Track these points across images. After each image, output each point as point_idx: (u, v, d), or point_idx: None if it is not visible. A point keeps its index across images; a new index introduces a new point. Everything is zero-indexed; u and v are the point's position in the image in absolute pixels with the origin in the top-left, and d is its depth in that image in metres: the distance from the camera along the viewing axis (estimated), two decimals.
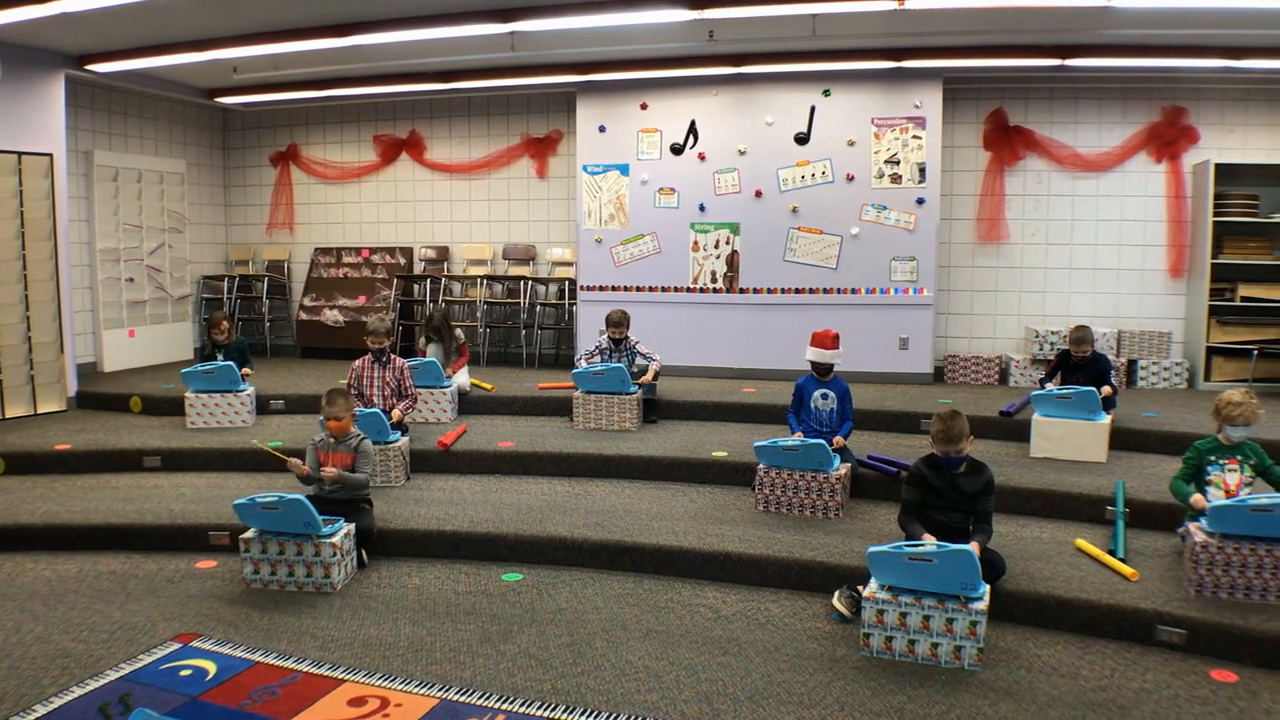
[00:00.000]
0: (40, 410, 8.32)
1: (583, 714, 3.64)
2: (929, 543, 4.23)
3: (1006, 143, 9.26)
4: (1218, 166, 8.54)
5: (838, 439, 6.05)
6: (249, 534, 5.01)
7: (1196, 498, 4.73)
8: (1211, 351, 8.78)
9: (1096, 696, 3.78)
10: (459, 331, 8.50)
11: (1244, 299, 8.67)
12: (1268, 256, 8.70)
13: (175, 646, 4.27)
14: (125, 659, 4.13)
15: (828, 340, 6.21)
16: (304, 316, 11.08)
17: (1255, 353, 8.48)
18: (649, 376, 7.76)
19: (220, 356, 8.13)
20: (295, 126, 11.50)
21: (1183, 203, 8.99)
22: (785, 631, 4.47)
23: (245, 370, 8.08)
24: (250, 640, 4.35)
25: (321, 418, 5.54)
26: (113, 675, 3.96)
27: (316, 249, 11.49)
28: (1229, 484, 4.81)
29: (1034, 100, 9.24)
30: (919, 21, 7.37)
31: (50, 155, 8.31)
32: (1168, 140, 8.95)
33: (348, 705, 3.72)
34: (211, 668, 4.05)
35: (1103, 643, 4.29)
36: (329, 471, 5.30)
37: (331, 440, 5.51)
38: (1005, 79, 9.08)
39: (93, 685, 3.85)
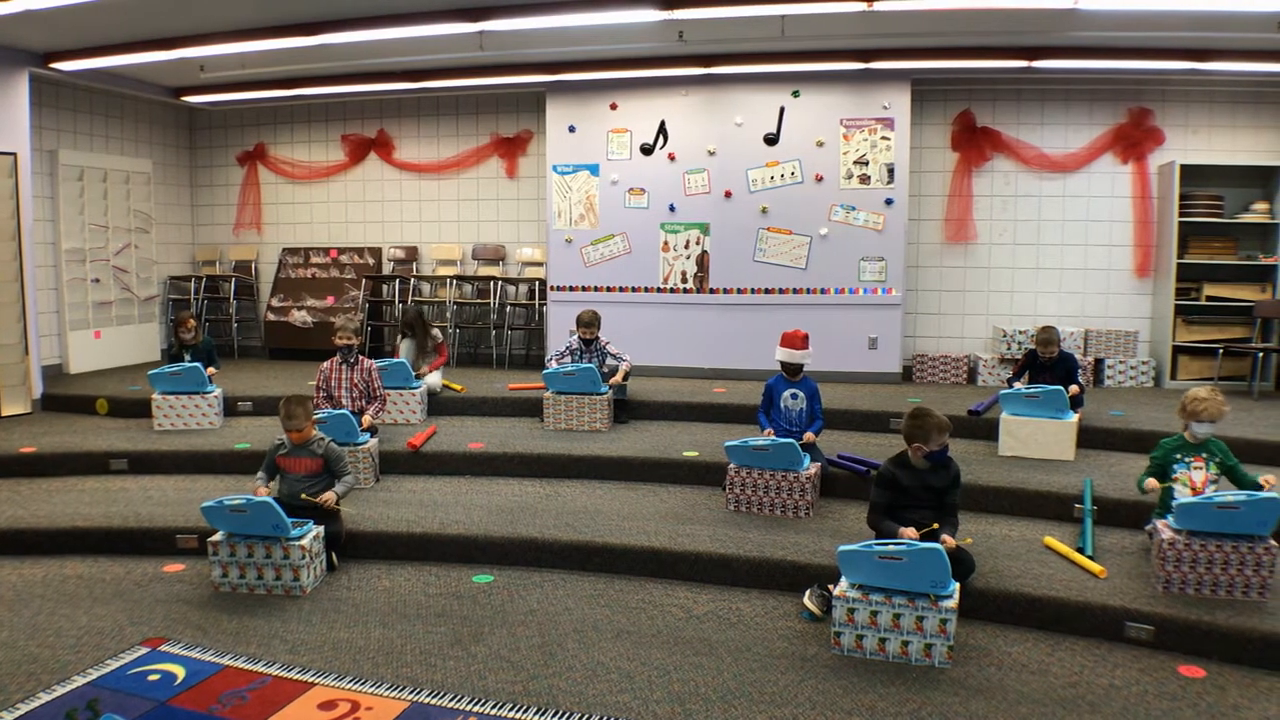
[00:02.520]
0: (5, 413, 8.19)
1: (554, 715, 3.63)
2: (908, 537, 4.27)
3: (974, 144, 9.32)
4: (1183, 167, 8.65)
5: (808, 434, 6.09)
6: (217, 537, 4.96)
7: (1150, 482, 4.88)
8: (1178, 350, 8.90)
9: (1066, 693, 3.81)
10: (435, 330, 8.45)
11: (1209, 298, 8.79)
12: (1232, 256, 8.82)
13: (143, 651, 4.22)
14: (93, 664, 4.07)
15: (797, 340, 6.23)
16: (272, 317, 10.98)
17: (1221, 351, 8.58)
18: (619, 377, 7.75)
19: (188, 356, 8.07)
20: (263, 126, 11.40)
21: (1148, 203, 9.10)
22: (756, 631, 4.48)
23: (210, 369, 8.01)
24: (219, 644, 4.31)
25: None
26: (80, 681, 3.90)
27: (284, 249, 11.39)
28: (1195, 481, 4.87)
29: (1001, 101, 9.32)
30: (888, 23, 7.41)
31: (14, 154, 8.19)
32: (1134, 141, 9.05)
33: (318, 709, 3.69)
34: (180, 672, 4.00)
35: (1072, 639, 4.33)
36: (327, 497, 5.25)
37: (293, 446, 5.45)
38: (973, 80, 9.16)
39: (60, 691, 3.80)
